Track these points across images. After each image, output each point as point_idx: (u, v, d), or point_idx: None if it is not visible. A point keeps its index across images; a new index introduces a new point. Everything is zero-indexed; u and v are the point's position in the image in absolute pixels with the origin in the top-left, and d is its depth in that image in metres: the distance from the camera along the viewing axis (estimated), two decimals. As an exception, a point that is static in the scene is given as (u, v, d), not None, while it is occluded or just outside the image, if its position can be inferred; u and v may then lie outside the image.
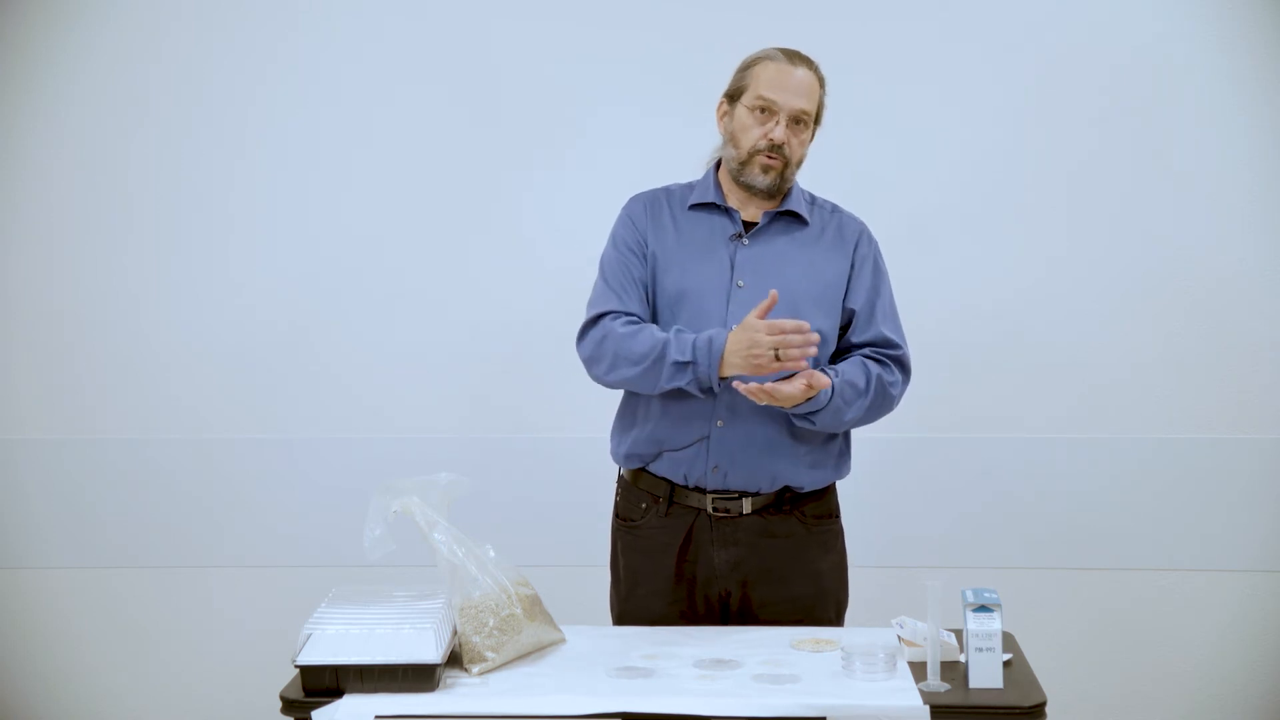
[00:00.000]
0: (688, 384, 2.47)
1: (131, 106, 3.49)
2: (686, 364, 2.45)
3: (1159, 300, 3.38)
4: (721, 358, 2.43)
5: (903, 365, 2.60)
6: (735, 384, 2.41)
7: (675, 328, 2.51)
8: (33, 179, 3.51)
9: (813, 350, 2.39)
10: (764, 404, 2.42)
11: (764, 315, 2.39)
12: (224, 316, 3.51)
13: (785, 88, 2.53)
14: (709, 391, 2.48)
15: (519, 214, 3.46)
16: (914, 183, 3.40)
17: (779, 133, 2.53)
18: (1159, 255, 3.37)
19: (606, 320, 2.54)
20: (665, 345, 2.46)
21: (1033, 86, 3.38)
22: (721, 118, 2.62)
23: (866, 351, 2.57)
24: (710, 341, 2.44)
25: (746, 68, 2.58)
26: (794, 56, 2.57)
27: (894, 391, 2.57)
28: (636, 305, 2.56)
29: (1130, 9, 3.37)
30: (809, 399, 2.42)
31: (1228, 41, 3.34)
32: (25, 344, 3.53)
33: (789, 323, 2.38)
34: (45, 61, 3.48)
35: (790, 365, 2.38)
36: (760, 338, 2.37)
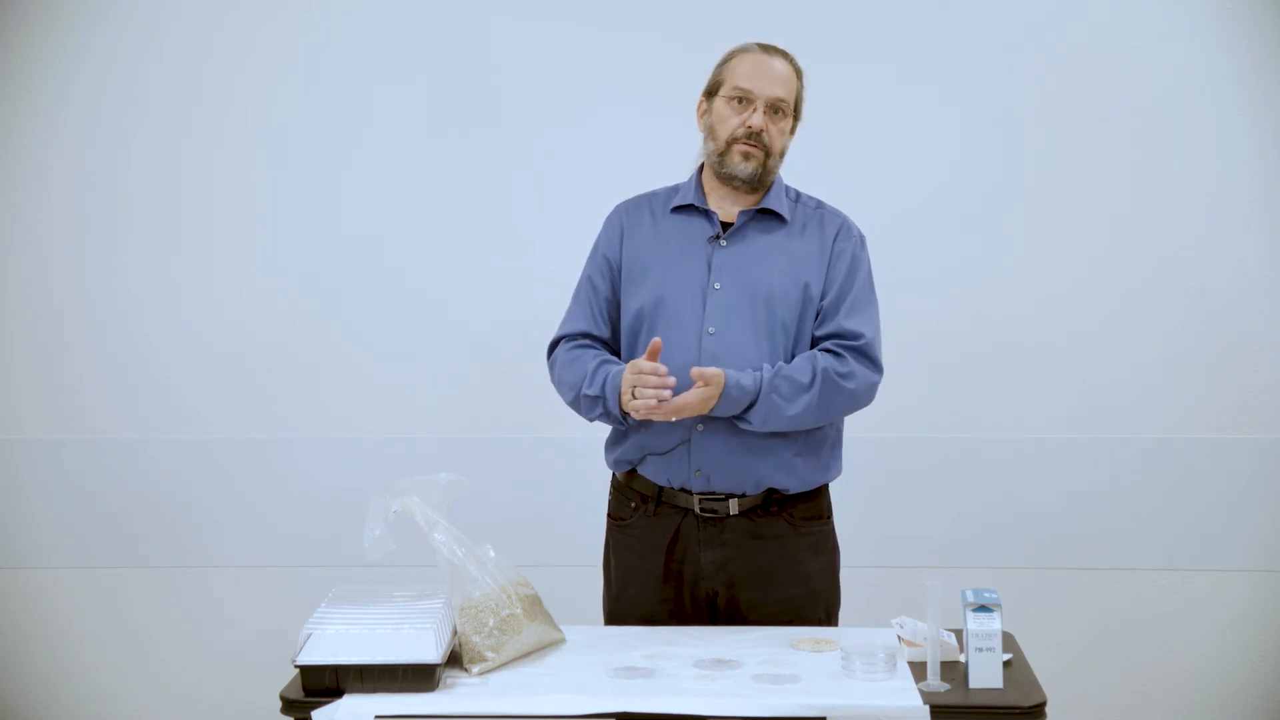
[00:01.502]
0: (601, 417, 2.55)
1: (131, 107, 3.49)
2: (597, 398, 2.52)
3: (1159, 300, 3.38)
4: (624, 395, 2.48)
5: (864, 355, 2.53)
6: (630, 409, 2.46)
7: (601, 359, 2.56)
8: (33, 179, 3.51)
9: (666, 394, 2.41)
10: (673, 419, 2.45)
11: (652, 358, 2.43)
12: (224, 316, 3.51)
13: (761, 77, 2.54)
14: (622, 423, 2.54)
15: (519, 214, 3.46)
16: (914, 182, 3.40)
17: (757, 120, 2.53)
18: (1159, 255, 3.37)
19: (560, 347, 2.65)
20: (585, 379, 2.54)
21: (1033, 86, 3.38)
22: (701, 115, 2.63)
23: (826, 344, 2.54)
24: (611, 378, 2.51)
25: (723, 63, 2.61)
26: (769, 48, 2.59)
27: (849, 384, 2.50)
28: (588, 323, 2.63)
29: (1130, 9, 3.37)
30: (718, 397, 2.43)
31: (1228, 41, 3.34)
32: (25, 344, 3.53)
33: (647, 364, 2.42)
34: (45, 61, 3.48)
35: (640, 404, 2.41)
36: (628, 377, 2.44)
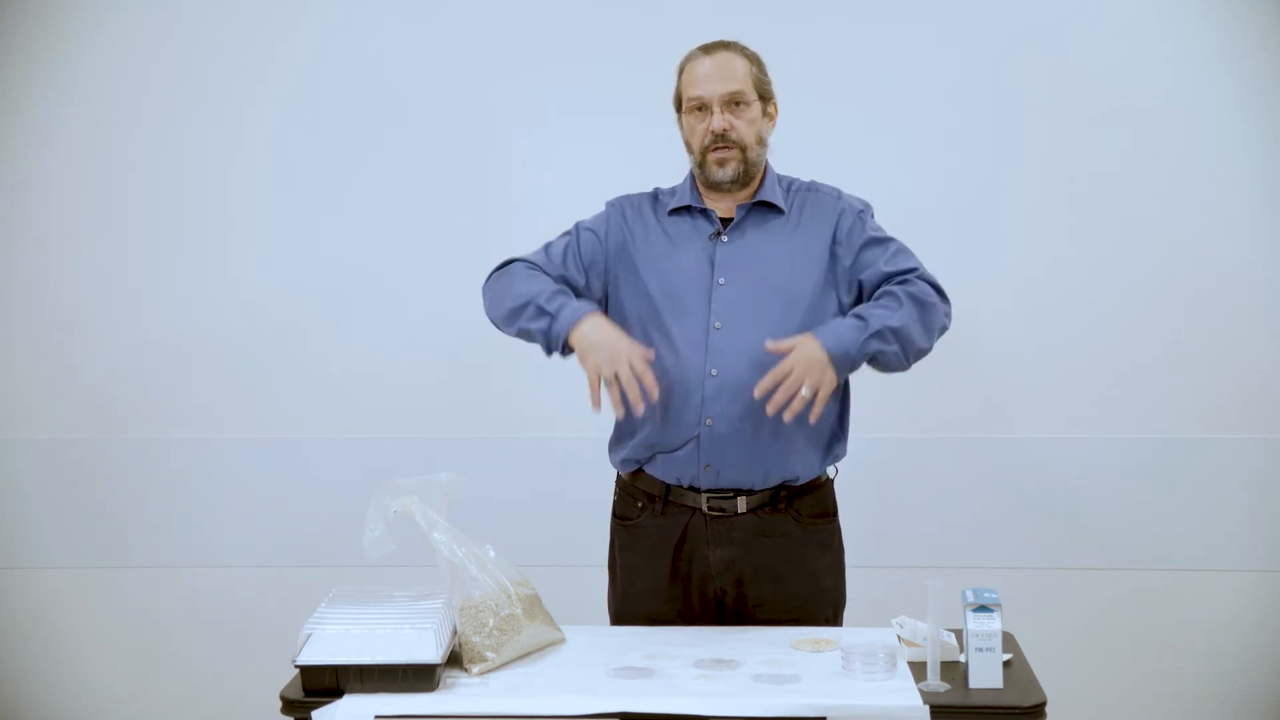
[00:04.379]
0: (537, 330, 2.49)
1: (132, 105, 3.49)
2: (548, 313, 2.48)
3: (1160, 300, 3.38)
4: (578, 326, 2.44)
5: (924, 280, 2.52)
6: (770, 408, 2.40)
7: (560, 287, 2.54)
8: (33, 178, 3.51)
9: (639, 409, 2.39)
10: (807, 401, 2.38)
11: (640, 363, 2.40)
12: (224, 316, 3.51)
13: (708, 80, 2.55)
14: (549, 350, 2.50)
15: (520, 214, 3.46)
16: (913, 182, 3.40)
17: (717, 122, 2.54)
18: (1160, 255, 3.37)
19: (516, 263, 2.60)
20: (542, 292, 2.50)
21: (1033, 86, 3.38)
22: (679, 126, 2.64)
23: (883, 287, 2.52)
24: (577, 310, 2.46)
25: (678, 76, 2.63)
26: (711, 47, 2.59)
27: (928, 298, 2.48)
28: (552, 267, 2.60)
29: (1130, 9, 3.36)
30: (821, 349, 2.39)
31: (1228, 41, 3.34)
32: (25, 344, 3.53)
33: (649, 376, 2.38)
34: (45, 61, 3.48)
35: (632, 403, 2.39)
36: (622, 350, 2.38)
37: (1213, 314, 3.37)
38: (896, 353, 2.45)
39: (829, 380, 2.39)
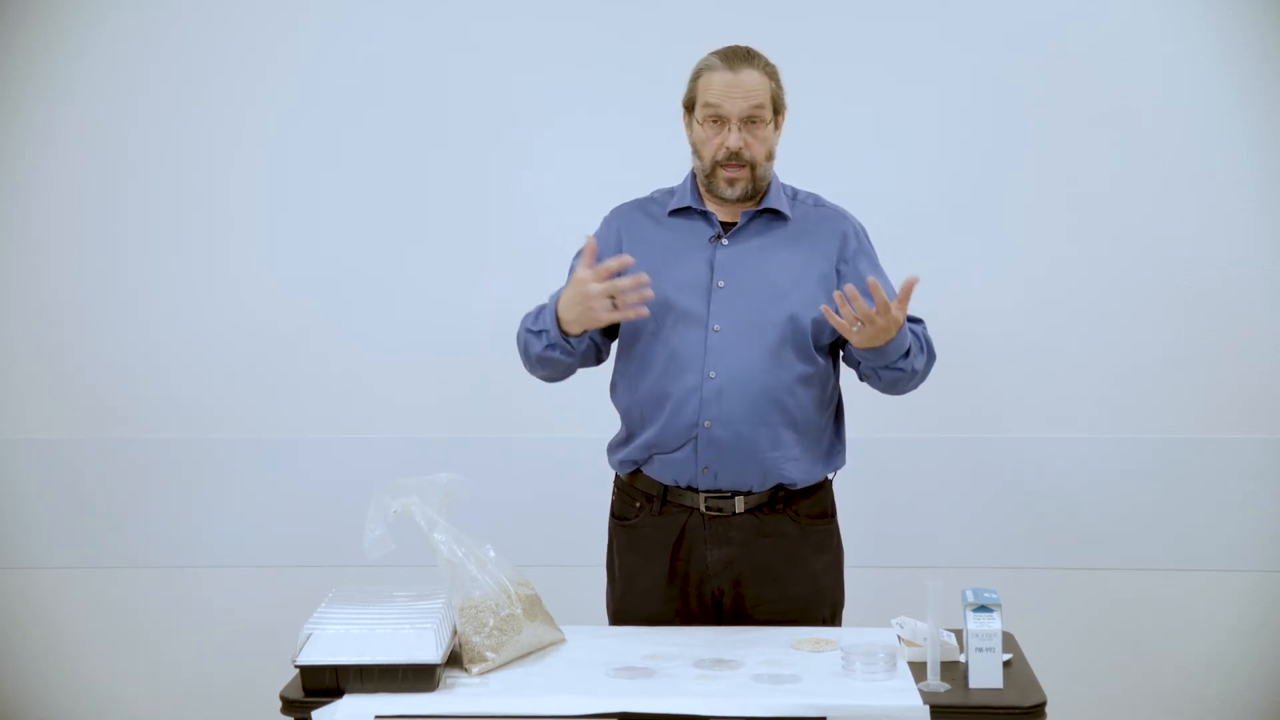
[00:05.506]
0: (547, 347, 2.51)
1: (132, 105, 3.49)
2: (542, 330, 2.52)
3: (1160, 300, 3.38)
4: (558, 315, 2.47)
5: (928, 337, 2.62)
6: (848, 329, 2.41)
7: (536, 308, 2.57)
8: (33, 178, 3.51)
9: (648, 293, 2.40)
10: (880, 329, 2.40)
11: (603, 274, 2.40)
12: (224, 316, 3.51)
13: (730, 95, 2.52)
14: (569, 350, 2.51)
15: (520, 214, 3.46)
16: (913, 181, 3.40)
17: (733, 140, 2.52)
18: (1159, 255, 3.37)
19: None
20: (526, 318, 2.57)
21: (1033, 86, 3.38)
22: (687, 128, 2.63)
23: None
24: (551, 305, 2.50)
25: (694, 78, 2.59)
26: (733, 59, 2.55)
27: (933, 353, 2.60)
28: None
29: (1131, 9, 3.36)
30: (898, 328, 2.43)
31: (1228, 41, 3.34)
32: (25, 344, 3.53)
33: (618, 265, 2.39)
34: (45, 61, 3.48)
35: (629, 314, 2.41)
36: (589, 288, 2.39)
37: (1213, 314, 3.37)
38: (903, 380, 2.55)
39: (878, 334, 2.40)
